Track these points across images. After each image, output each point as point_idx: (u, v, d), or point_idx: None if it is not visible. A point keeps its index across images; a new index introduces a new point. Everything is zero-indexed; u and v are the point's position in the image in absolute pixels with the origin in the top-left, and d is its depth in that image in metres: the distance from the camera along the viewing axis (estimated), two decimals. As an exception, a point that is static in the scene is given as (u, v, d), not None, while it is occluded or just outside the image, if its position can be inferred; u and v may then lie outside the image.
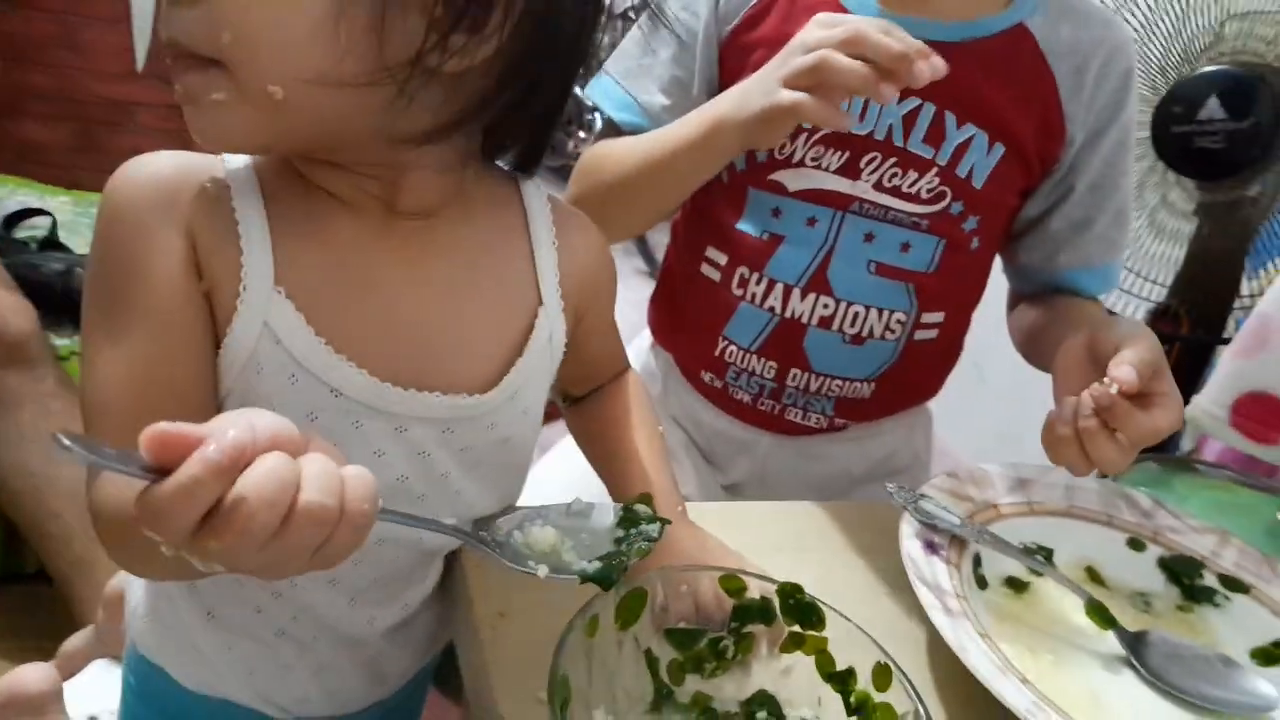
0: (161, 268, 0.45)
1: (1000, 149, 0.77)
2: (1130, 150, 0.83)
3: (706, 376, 0.89)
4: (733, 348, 0.86)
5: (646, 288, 1.01)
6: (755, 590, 0.49)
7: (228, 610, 0.55)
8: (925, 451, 0.96)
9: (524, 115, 0.52)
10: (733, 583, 0.49)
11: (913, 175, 0.78)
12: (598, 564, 0.45)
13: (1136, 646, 0.59)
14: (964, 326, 0.90)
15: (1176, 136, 1.24)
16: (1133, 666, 0.58)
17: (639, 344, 1.00)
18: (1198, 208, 1.31)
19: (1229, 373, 0.80)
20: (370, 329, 0.50)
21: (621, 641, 0.47)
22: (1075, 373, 0.63)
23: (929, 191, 0.78)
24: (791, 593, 0.49)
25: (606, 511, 0.47)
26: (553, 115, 0.54)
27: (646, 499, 0.50)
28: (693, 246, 0.89)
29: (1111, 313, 1.32)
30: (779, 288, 0.82)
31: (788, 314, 0.82)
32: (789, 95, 0.65)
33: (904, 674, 0.45)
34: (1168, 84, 1.26)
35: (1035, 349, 0.83)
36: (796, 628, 0.49)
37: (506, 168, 0.57)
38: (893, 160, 0.78)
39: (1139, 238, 1.37)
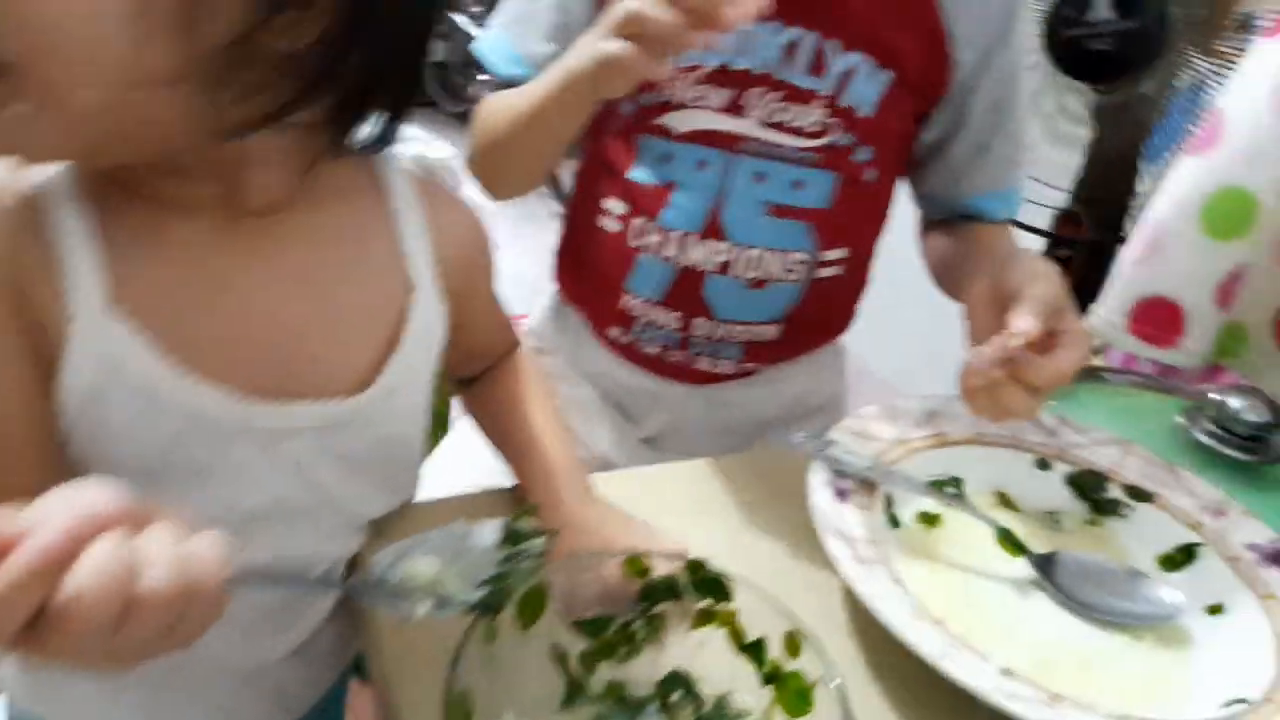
0: None
1: (887, 75, 0.75)
2: (1022, 67, 0.81)
3: (613, 332, 0.87)
4: (635, 301, 0.84)
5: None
6: (661, 568, 0.48)
7: None
8: (840, 388, 0.96)
9: (374, 90, 0.48)
10: (636, 565, 0.48)
11: (798, 109, 0.75)
12: (482, 590, 0.43)
13: (1047, 568, 0.60)
14: (868, 259, 0.89)
15: (1068, 40, 1.23)
16: (1044, 589, 0.59)
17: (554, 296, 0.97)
18: (1093, 111, 1.31)
19: (1125, 279, 0.81)
20: (225, 341, 0.46)
21: (525, 641, 0.46)
22: (983, 318, 0.62)
23: (816, 125, 0.76)
24: (697, 568, 0.48)
25: (489, 530, 0.45)
26: (409, 87, 0.50)
27: (531, 510, 0.47)
28: (590, 198, 0.86)
29: (1022, 225, 1.34)
30: (674, 236, 0.80)
31: (686, 262, 0.80)
32: (611, 45, 0.61)
33: (814, 640, 0.44)
34: (1052, -12, 1.25)
35: (946, 283, 0.82)
36: (706, 602, 0.48)
37: (361, 147, 0.53)
38: (778, 95, 0.75)
39: (1038, 145, 1.37)
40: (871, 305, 0.94)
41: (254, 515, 0.50)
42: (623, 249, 0.83)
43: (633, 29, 0.60)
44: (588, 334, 0.90)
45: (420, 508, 0.62)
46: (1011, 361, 0.56)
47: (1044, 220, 1.39)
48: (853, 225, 0.82)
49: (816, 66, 0.74)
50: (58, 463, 0.44)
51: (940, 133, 0.81)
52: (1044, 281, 0.59)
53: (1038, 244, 1.39)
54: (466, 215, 0.58)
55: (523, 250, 0.89)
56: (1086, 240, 1.36)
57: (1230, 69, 1.18)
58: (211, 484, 0.47)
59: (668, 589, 0.48)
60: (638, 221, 0.81)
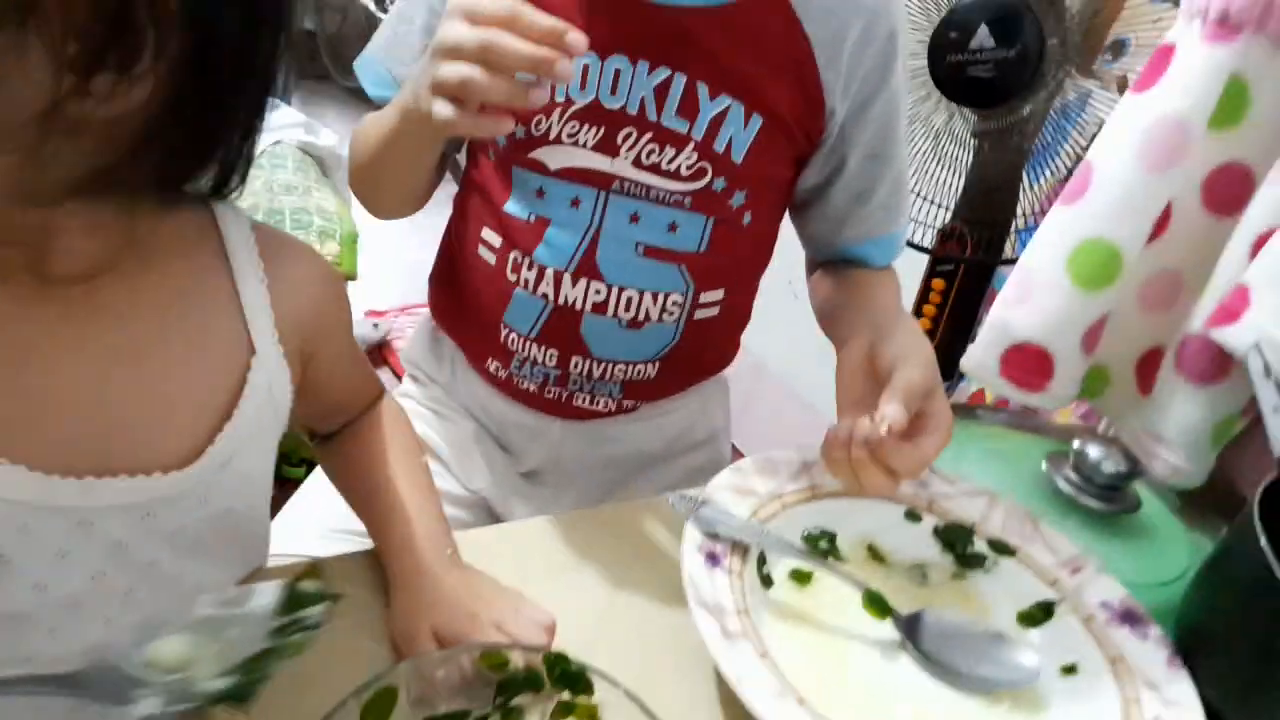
0: None
1: (758, 120, 0.74)
2: (902, 115, 0.81)
3: (492, 366, 0.84)
4: (513, 335, 0.81)
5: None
6: (520, 660, 0.46)
7: None
8: (723, 422, 0.96)
9: (207, 151, 0.44)
10: (494, 659, 0.46)
11: (670, 151, 0.74)
12: (230, 679, 0.38)
13: (912, 630, 0.60)
14: (749, 297, 0.89)
15: (951, 66, 1.26)
16: (908, 651, 0.60)
17: (428, 324, 0.93)
18: (975, 133, 1.35)
19: (997, 324, 0.82)
20: (26, 416, 0.42)
21: (373, 743, 0.43)
22: (853, 383, 0.63)
23: (689, 168, 0.74)
24: (557, 662, 0.46)
25: (266, 594, 0.41)
26: (248, 135, 0.46)
27: (314, 571, 0.44)
28: (470, 227, 0.83)
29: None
30: (549, 273, 0.78)
31: (560, 301, 0.78)
32: (440, 109, 0.57)
33: (672, 740, 0.43)
34: (940, 12, 1.27)
35: (827, 327, 0.82)
36: (566, 695, 0.46)
37: (197, 195, 0.49)
38: (648, 135, 0.73)
39: (925, 164, 1.40)
40: (768, 297, 0.93)
41: (73, 600, 0.46)
42: (500, 282, 0.80)
43: (461, 93, 0.57)
44: (465, 366, 0.87)
45: (270, 574, 0.58)
46: (876, 446, 0.56)
47: (928, 239, 1.42)
48: (730, 267, 0.81)
49: (687, 109, 0.73)
50: None
51: (819, 179, 0.81)
52: (916, 364, 0.59)
53: (920, 261, 1.42)
54: (315, 267, 0.55)
55: (423, 242, 0.85)
56: (967, 259, 1.40)
57: (1105, 90, 1.23)
58: (13, 570, 0.43)
59: (528, 681, 0.46)
60: (513, 255, 0.79)
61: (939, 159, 1.40)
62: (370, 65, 0.80)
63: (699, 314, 0.81)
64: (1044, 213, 1.36)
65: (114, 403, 0.45)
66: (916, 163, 1.37)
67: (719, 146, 0.74)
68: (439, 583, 0.55)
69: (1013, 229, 1.39)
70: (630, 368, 0.82)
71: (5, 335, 0.42)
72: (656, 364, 0.83)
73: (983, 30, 1.23)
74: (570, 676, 0.46)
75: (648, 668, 0.54)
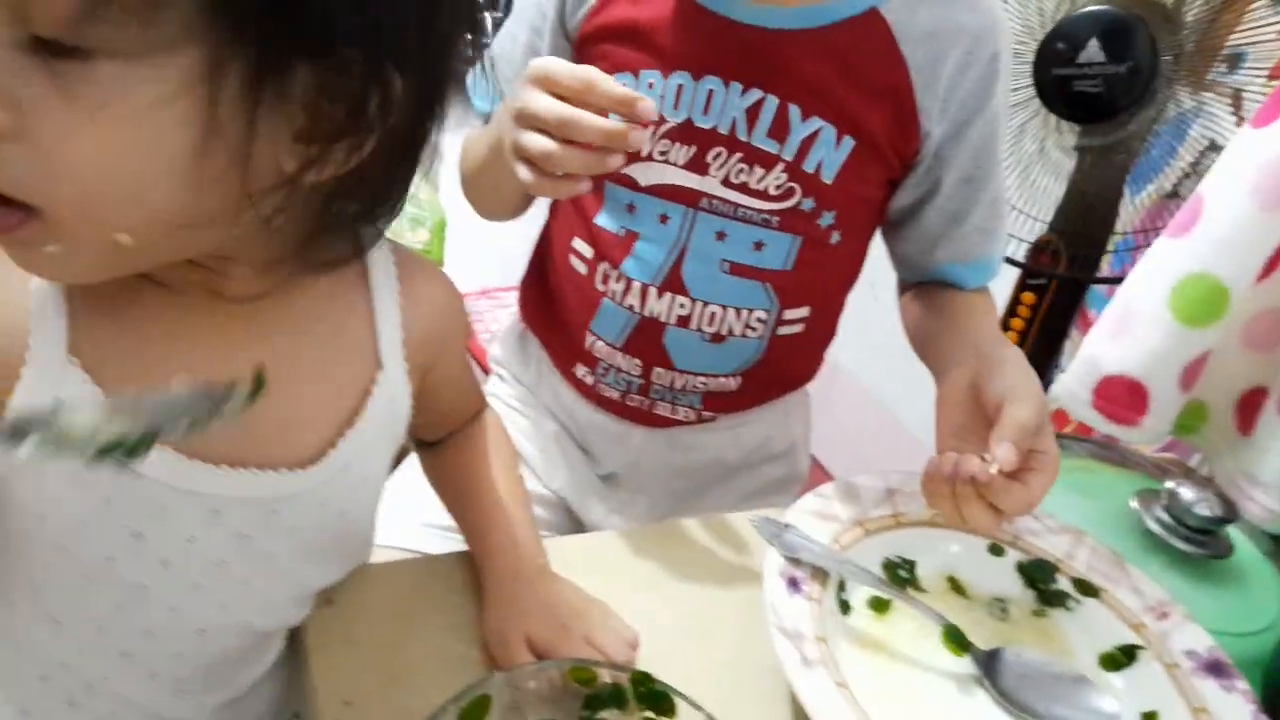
0: None
1: (850, 142, 0.74)
2: (1001, 137, 0.80)
3: (579, 371, 0.87)
4: (600, 343, 0.83)
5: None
6: (607, 677, 0.48)
7: (40, 706, 0.51)
8: (803, 435, 0.96)
9: (396, 193, 0.46)
10: (582, 674, 0.48)
11: (759, 171, 0.75)
12: (123, 429, 0.34)
13: (990, 666, 0.60)
14: (835, 315, 0.89)
15: (1056, 79, 1.23)
16: (985, 688, 0.60)
17: (517, 326, 0.96)
18: (1077, 147, 1.31)
19: (1091, 354, 0.81)
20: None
21: (468, 747, 0.46)
22: (956, 415, 0.63)
23: (777, 188, 0.75)
24: (643, 680, 0.48)
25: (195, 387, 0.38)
26: (405, 182, 0.48)
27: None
28: (563, 236, 0.85)
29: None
30: (636, 286, 0.80)
31: (646, 313, 0.80)
32: (523, 173, 0.61)
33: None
34: (1044, 25, 1.24)
35: (923, 352, 0.81)
36: (649, 714, 0.48)
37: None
38: (738, 155, 0.74)
39: (1023, 174, 1.37)
40: (850, 302, 0.93)
41: (195, 582, 0.49)
42: (589, 291, 0.82)
43: (534, 160, 0.60)
44: (550, 369, 0.90)
45: (372, 571, 0.61)
46: (984, 486, 0.56)
47: (1021, 253, 1.39)
48: (816, 286, 0.82)
49: (778, 130, 0.74)
50: None
51: (912, 200, 0.81)
52: (1027, 401, 0.58)
53: (1010, 274, 1.39)
54: (441, 287, 0.57)
55: (507, 228, 0.87)
56: (1060, 275, 1.37)
57: (1218, 104, 1.19)
58: (145, 547, 0.46)
59: (613, 698, 0.48)
60: (603, 266, 0.81)
61: (1040, 170, 1.37)
62: (478, 80, 0.83)
63: (783, 330, 0.82)
64: (1144, 231, 1.33)
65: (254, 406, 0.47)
66: (1015, 172, 1.34)
67: (809, 167, 0.74)
68: (533, 591, 0.58)
69: (1110, 246, 1.36)
70: (711, 380, 0.83)
71: (171, 341, 0.45)
72: (738, 378, 0.84)
73: (1093, 44, 1.20)
74: (655, 696, 0.48)
75: (724, 688, 0.56)
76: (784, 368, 0.86)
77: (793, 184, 0.75)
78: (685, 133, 0.75)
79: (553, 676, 0.48)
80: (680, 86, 0.73)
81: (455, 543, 0.64)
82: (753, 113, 0.73)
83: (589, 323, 0.83)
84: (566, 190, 0.61)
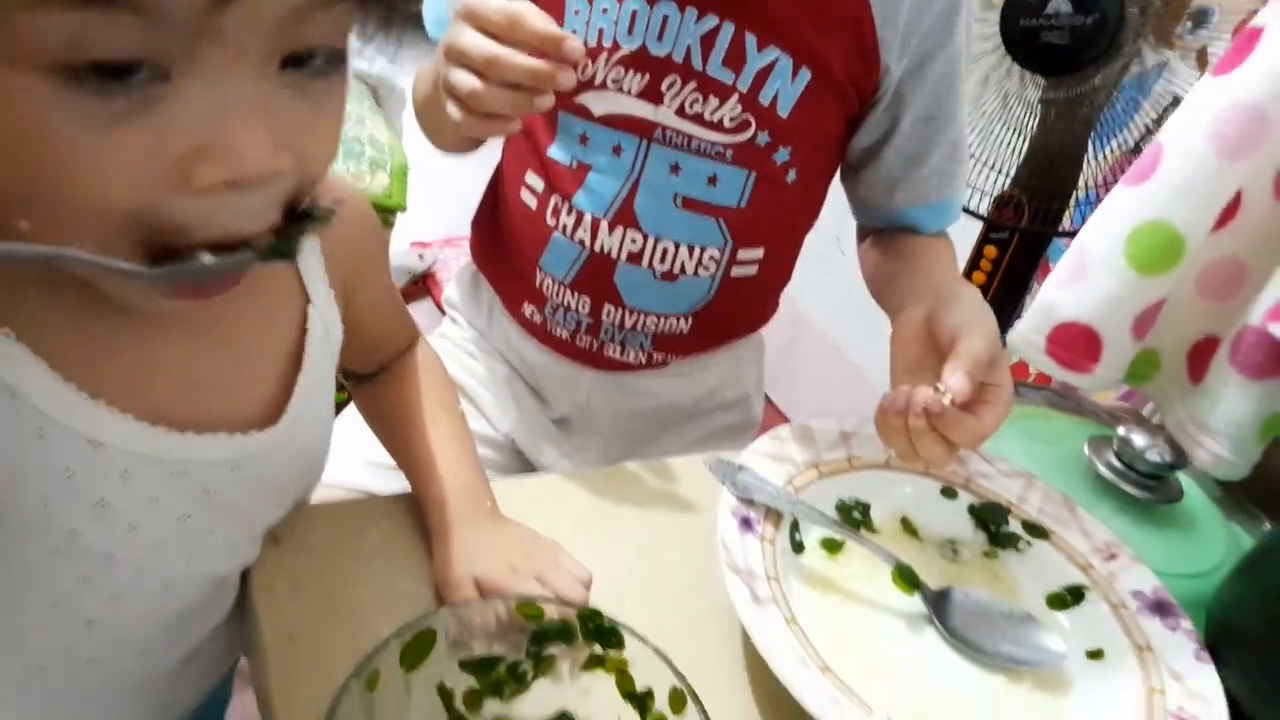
0: None
1: (806, 75, 0.72)
2: (961, 77, 0.79)
3: (528, 310, 0.86)
4: (549, 280, 0.82)
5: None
6: (555, 613, 0.48)
7: None
8: (756, 384, 0.96)
9: None
10: (530, 610, 0.47)
11: (714, 102, 0.73)
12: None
13: (940, 605, 0.61)
14: (790, 259, 0.88)
15: (1024, 31, 1.22)
16: (934, 625, 0.60)
17: (469, 266, 0.94)
18: (1042, 100, 1.31)
19: (1047, 301, 0.81)
20: (129, 372, 0.43)
21: (409, 683, 0.45)
22: (911, 348, 0.62)
23: (732, 120, 0.74)
24: (591, 617, 0.47)
25: None
26: None
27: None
28: (514, 170, 0.84)
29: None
30: (588, 219, 0.78)
31: (597, 248, 0.79)
32: (452, 110, 0.62)
33: (698, 701, 0.44)
34: (1016, -28, 1.22)
35: (881, 295, 0.81)
36: (597, 648, 0.48)
37: None
38: (693, 85, 0.73)
39: (987, 128, 1.37)
40: (812, 252, 0.93)
41: (160, 541, 0.47)
42: (540, 225, 0.81)
43: (462, 98, 0.60)
44: (501, 310, 0.89)
45: (318, 510, 0.60)
46: (937, 417, 0.56)
47: (984, 205, 1.39)
48: (770, 225, 0.81)
49: (733, 59, 0.72)
50: None
51: (871, 140, 0.80)
52: (981, 333, 0.58)
53: (973, 228, 1.40)
54: (356, 206, 0.55)
55: (471, 174, 0.85)
56: (1023, 229, 1.37)
57: (1182, 60, 1.19)
58: (112, 514, 0.44)
59: (561, 633, 0.48)
60: (554, 199, 0.80)
61: (1003, 123, 1.36)
62: (431, 6, 0.80)
63: (735, 271, 0.81)
64: (1106, 185, 1.33)
65: (203, 364, 0.45)
66: (979, 126, 1.34)
67: (764, 99, 0.73)
68: (480, 534, 0.57)
69: (1073, 200, 1.36)
70: (662, 320, 0.82)
71: (106, 306, 0.42)
72: (689, 319, 0.83)
73: (1060, -6, 1.19)
74: (602, 631, 0.47)
75: (674, 626, 0.55)
76: (736, 310, 0.85)
77: (748, 115, 0.73)
78: (639, 60, 0.73)
79: (500, 612, 0.47)
80: (635, 12, 0.71)
81: (399, 481, 0.63)
82: (708, 40, 0.71)
83: (538, 259, 0.82)
84: (498, 129, 0.62)
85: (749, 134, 0.74)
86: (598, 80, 0.74)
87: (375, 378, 0.64)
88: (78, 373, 0.40)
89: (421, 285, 2.45)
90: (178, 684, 0.55)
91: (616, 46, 0.73)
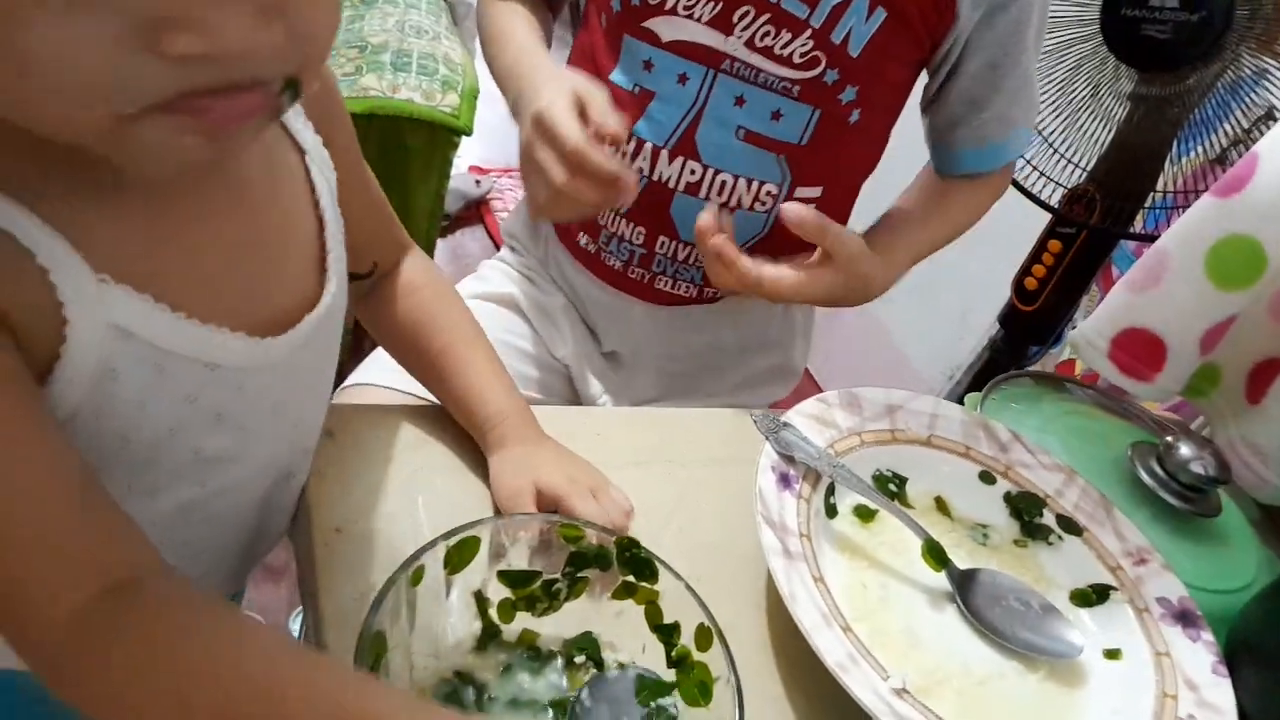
0: None
1: (882, 14, 0.72)
2: (1031, 27, 0.78)
3: (582, 239, 0.86)
4: (603, 210, 0.82)
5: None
6: (594, 539, 0.49)
7: None
8: (804, 326, 0.96)
9: None
10: (571, 531, 0.49)
11: (786, 35, 0.73)
12: None
13: (964, 584, 0.61)
14: (848, 203, 0.88)
15: (1124, 20, 1.18)
16: (957, 604, 0.61)
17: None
18: (1131, 95, 1.27)
19: (1117, 304, 0.79)
20: (216, 284, 0.43)
21: (450, 584, 0.47)
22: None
23: (802, 55, 0.73)
24: (629, 546, 0.49)
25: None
26: None
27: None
28: None
29: (1032, 197, 1.32)
30: (647, 148, 0.78)
31: (655, 177, 0.79)
32: (535, 195, 0.68)
33: (724, 640, 0.45)
34: (1126, -42, 1.18)
35: None
36: (630, 577, 0.49)
37: None
38: (766, 17, 0.72)
39: (1073, 117, 1.33)
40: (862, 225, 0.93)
41: (260, 433, 0.48)
42: None
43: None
44: (556, 242, 0.90)
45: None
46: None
47: (1055, 196, 1.36)
48: (830, 164, 0.81)
49: None
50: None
51: (935, 84, 0.81)
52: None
53: (1041, 219, 1.37)
54: None
55: None
56: (1092, 226, 1.34)
57: (1281, 72, 1.15)
58: (226, 424, 0.45)
59: (597, 558, 0.49)
60: None
61: (1091, 113, 1.33)
62: None
63: None
64: (1184, 191, 1.30)
65: (264, 257, 0.46)
66: (1066, 113, 1.31)
67: (836, 37, 0.73)
68: (539, 448, 0.59)
69: (1147, 203, 1.33)
70: None
71: (168, 214, 0.41)
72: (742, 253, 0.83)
73: (1169, -14, 1.15)
74: (638, 561, 0.48)
75: (704, 567, 0.56)
76: (790, 248, 0.84)
77: (818, 52, 0.73)
78: None
79: (544, 529, 0.49)
80: None
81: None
82: None
83: None
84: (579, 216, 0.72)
85: (817, 70, 0.74)
86: (668, 5, 0.73)
87: (378, 291, 0.62)
88: (177, 298, 0.40)
89: (475, 211, 2.46)
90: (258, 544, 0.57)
91: None
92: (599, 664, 0.49)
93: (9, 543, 0.34)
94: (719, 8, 0.73)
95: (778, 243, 0.82)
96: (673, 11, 0.74)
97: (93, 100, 0.32)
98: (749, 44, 0.74)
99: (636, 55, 0.77)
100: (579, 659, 0.49)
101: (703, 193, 0.79)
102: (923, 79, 0.83)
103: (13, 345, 0.36)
